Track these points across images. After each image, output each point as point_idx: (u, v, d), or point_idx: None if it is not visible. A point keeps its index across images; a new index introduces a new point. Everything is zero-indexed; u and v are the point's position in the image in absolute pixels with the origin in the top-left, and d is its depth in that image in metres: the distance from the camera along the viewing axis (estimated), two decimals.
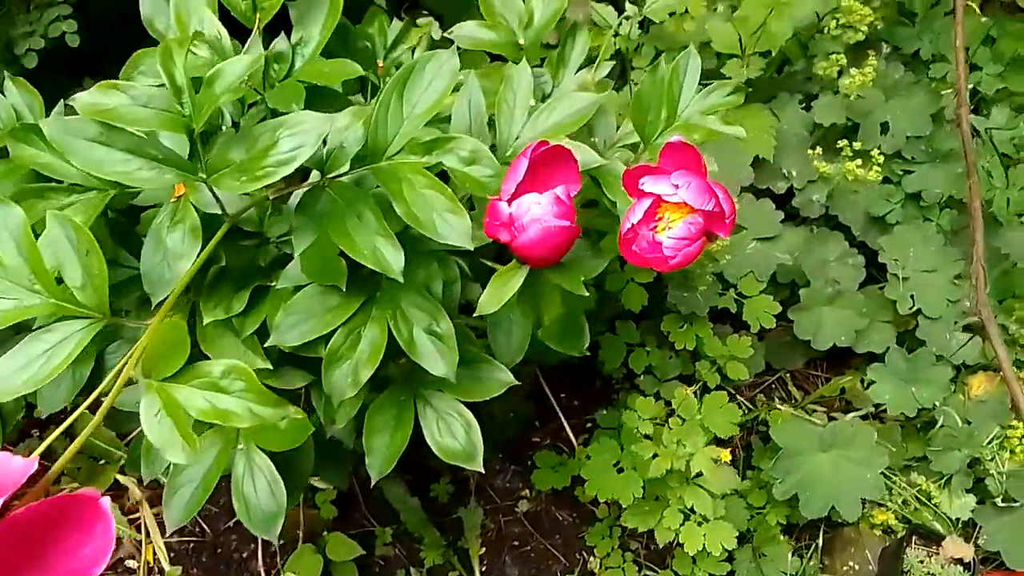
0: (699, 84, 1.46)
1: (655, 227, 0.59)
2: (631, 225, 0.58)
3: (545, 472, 1.26)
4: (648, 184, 0.58)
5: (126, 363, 0.50)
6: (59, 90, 1.05)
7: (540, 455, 1.28)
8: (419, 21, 1.43)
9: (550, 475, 1.26)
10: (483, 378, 0.74)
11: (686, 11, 1.37)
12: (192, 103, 0.55)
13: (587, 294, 0.61)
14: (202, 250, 0.62)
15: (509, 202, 0.55)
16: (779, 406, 1.46)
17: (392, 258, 0.60)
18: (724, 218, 0.57)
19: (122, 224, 0.70)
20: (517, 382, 0.74)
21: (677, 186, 0.56)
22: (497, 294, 0.58)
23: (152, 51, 0.80)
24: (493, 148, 0.72)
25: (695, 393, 1.37)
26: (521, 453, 1.42)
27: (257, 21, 0.73)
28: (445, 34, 0.86)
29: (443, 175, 0.64)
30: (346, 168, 0.63)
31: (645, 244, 0.59)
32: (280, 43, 0.72)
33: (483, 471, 0.74)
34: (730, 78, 1.30)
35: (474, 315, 0.66)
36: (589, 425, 1.43)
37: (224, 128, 0.82)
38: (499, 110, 0.72)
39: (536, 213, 0.54)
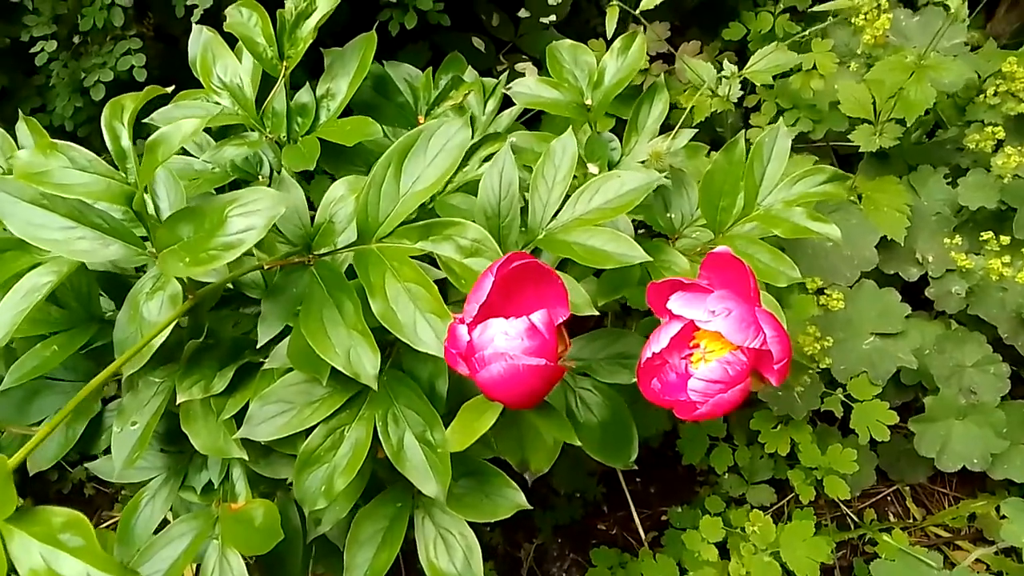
0: (827, 147, 1.30)
1: (688, 356, 0.46)
2: (653, 353, 0.45)
3: (601, 573, 1.12)
4: (679, 304, 0.45)
5: None
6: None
7: (598, 552, 1.15)
8: (517, 66, 1.35)
9: None
10: (492, 495, 0.63)
11: (814, 67, 1.20)
12: (137, 169, 0.48)
13: (579, 443, 0.49)
14: (170, 323, 0.54)
15: (471, 327, 0.44)
16: (892, 523, 1.25)
17: (368, 362, 0.51)
18: (772, 361, 0.43)
19: (114, 276, 0.64)
20: (529, 506, 0.63)
21: (714, 312, 0.43)
22: (465, 431, 0.47)
23: (195, 93, 0.76)
24: (522, 231, 0.61)
25: (786, 504, 1.19)
26: (583, 540, 1.29)
27: (283, 69, 0.66)
28: (504, 89, 0.76)
29: None
30: (333, 247, 0.54)
31: (674, 377, 0.46)
32: (304, 95, 0.65)
33: None
34: (857, 146, 1.12)
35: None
36: (664, 518, 1.27)
37: (260, 178, 0.76)
38: (534, 187, 0.61)
39: (501, 345, 0.42)
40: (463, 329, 0.43)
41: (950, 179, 1.20)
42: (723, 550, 1.07)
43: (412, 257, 0.52)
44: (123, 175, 0.49)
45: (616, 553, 1.16)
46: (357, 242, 0.53)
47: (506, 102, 0.86)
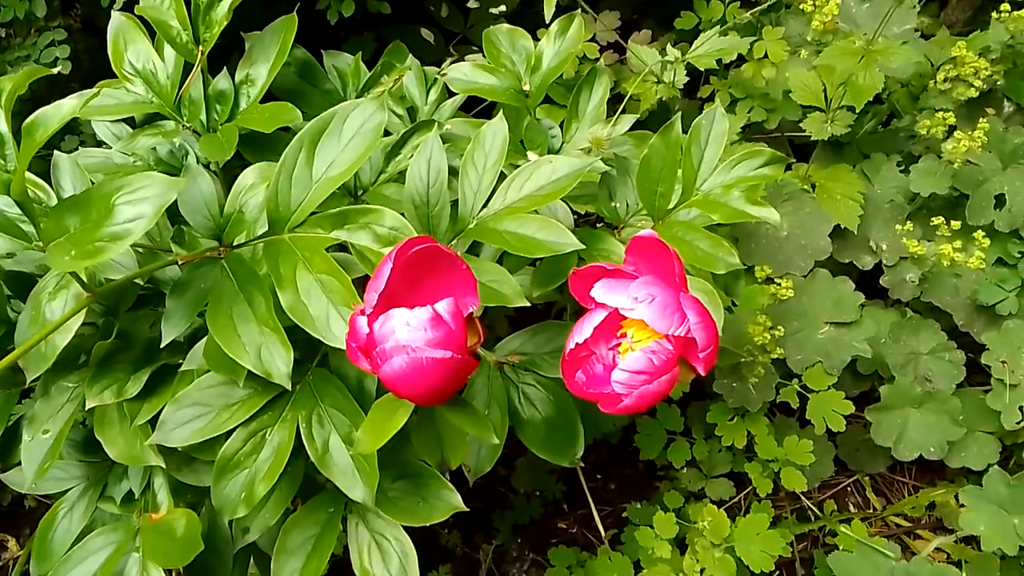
0: (782, 137, 1.28)
1: (617, 347, 0.44)
2: (576, 344, 0.43)
3: (560, 573, 1.10)
4: (602, 292, 0.42)
5: None
6: None
7: (556, 552, 1.12)
8: (467, 58, 1.33)
9: None
10: (428, 498, 0.60)
11: (765, 55, 1.19)
12: (17, 157, 0.44)
13: (497, 441, 0.46)
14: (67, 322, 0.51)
15: (370, 319, 0.41)
16: (852, 514, 1.24)
17: (280, 360, 0.48)
18: (698, 349, 0.41)
19: (23, 276, 0.60)
20: (466, 508, 0.60)
21: (637, 298, 0.41)
22: (376, 431, 0.44)
23: (116, 82, 0.72)
24: (453, 219, 0.59)
25: (744, 498, 1.18)
26: (543, 540, 1.27)
27: (199, 54, 0.62)
28: (437, 74, 0.74)
29: None
30: (246, 238, 0.51)
31: (601, 369, 0.44)
32: (222, 81, 0.62)
33: None
34: (808, 135, 1.11)
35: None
36: (625, 515, 1.25)
37: None
38: (463, 174, 0.58)
39: (403, 337, 0.39)
40: (362, 321, 0.40)
41: (903, 167, 1.20)
42: (682, 546, 1.05)
43: (328, 250, 0.49)
44: (2, 162, 0.46)
45: (575, 552, 1.14)
46: (268, 232, 0.50)
47: (452, 93, 0.84)
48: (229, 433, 0.55)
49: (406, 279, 0.42)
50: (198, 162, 0.73)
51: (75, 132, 0.99)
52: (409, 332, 0.39)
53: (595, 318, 0.43)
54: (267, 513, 0.62)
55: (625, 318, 0.43)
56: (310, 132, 0.50)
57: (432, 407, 0.46)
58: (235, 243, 0.53)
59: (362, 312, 0.41)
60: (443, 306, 0.40)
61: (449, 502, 0.60)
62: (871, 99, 1.09)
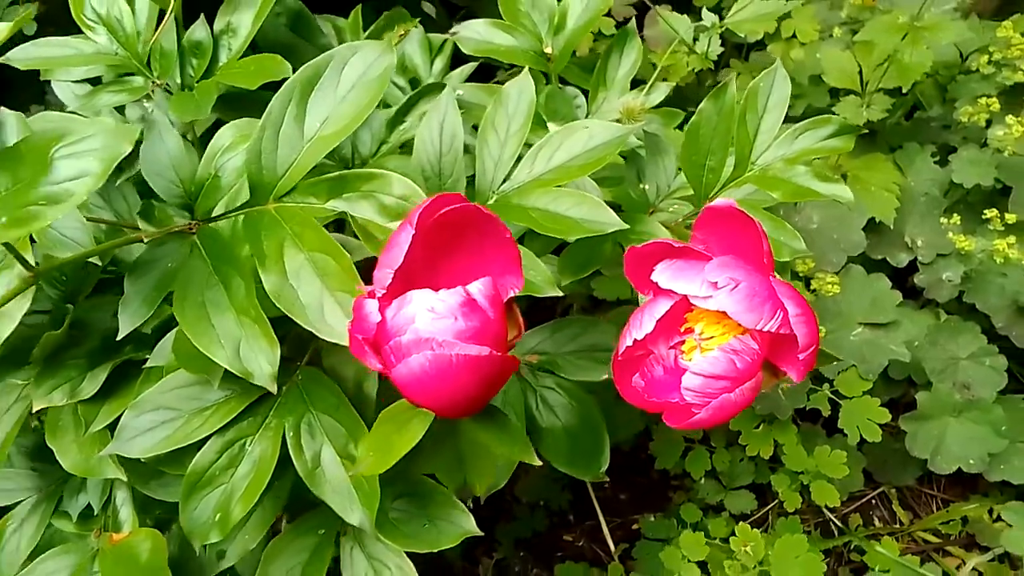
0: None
1: (680, 345, 0.35)
2: (634, 340, 0.34)
3: None
4: (667, 275, 0.34)
5: None
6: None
7: (563, 568, 1.04)
8: None
9: None
10: (436, 520, 0.52)
11: (794, 35, 1.11)
12: None
13: (539, 463, 0.37)
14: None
15: (382, 303, 0.32)
16: (879, 529, 1.16)
17: (264, 358, 0.39)
18: (796, 348, 0.32)
19: None
20: (480, 532, 0.51)
21: (716, 284, 0.32)
22: (383, 449, 0.35)
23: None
24: (470, 195, 0.50)
25: (770, 511, 1.10)
26: (548, 554, 1.18)
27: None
28: (448, 34, 0.65)
29: None
30: (223, 208, 0.42)
31: (661, 372, 0.35)
32: (198, 30, 0.53)
33: None
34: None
35: None
36: (636, 527, 1.17)
37: None
38: (483, 141, 0.49)
39: (426, 328, 0.30)
40: (372, 305, 0.31)
41: (938, 158, 1.12)
42: (702, 565, 0.97)
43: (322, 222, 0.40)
44: None
45: (583, 568, 1.05)
46: (250, 202, 0.41)
47: (458, 62, 0.76)
48: (202, 443, 0.46)
49: (430, 250, 0.33)
50: None
51: (41, 101, 0.90)
52: (434, 321, 0.30)
53: (658, 308, 0.34)
54: (247, 535, 0.53)
55: (692, 308, 0.35)
56: (301, 81, 0.41)
57: (451, 421, 0.37)
58: (210, 215, 0.44)
59: (371, 295, 0.31)
60: (478, 287, 0.31)
61: (461, 525, 0.51)
62: (895, 90, 1.01)
